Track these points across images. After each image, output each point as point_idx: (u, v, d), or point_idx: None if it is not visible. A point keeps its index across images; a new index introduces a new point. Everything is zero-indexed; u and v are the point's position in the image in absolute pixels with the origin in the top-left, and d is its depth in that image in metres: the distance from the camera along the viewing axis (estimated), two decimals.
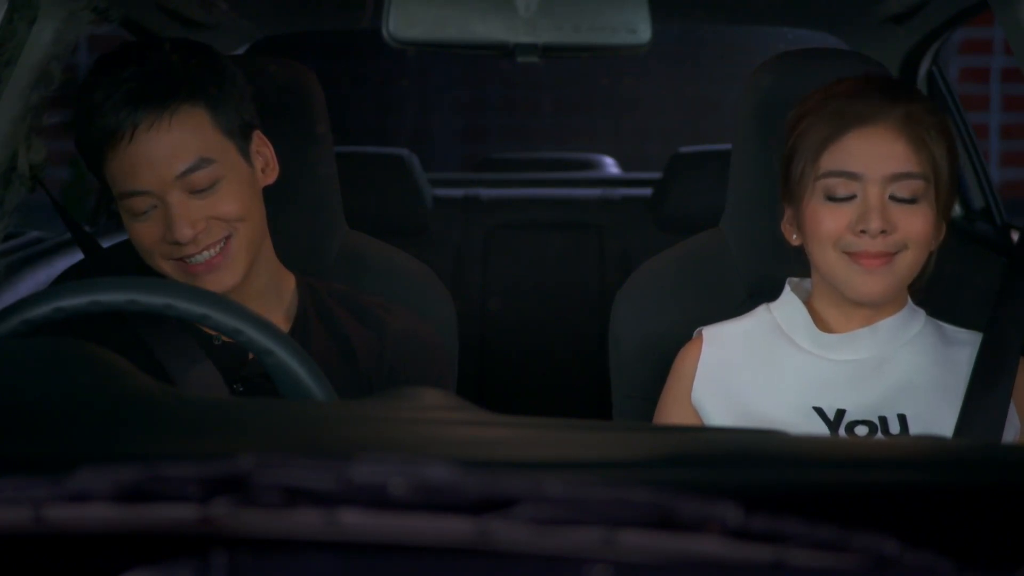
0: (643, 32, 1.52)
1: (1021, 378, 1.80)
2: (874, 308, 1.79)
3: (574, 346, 3.55)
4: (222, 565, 0.69)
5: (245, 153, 1.78)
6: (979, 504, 0.88)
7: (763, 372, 1.81)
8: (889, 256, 1.71)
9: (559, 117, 6.54)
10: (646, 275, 2.08)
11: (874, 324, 1.79)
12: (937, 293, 1.88)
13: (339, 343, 1.88)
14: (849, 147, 1.71)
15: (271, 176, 1.83)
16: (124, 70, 1.72)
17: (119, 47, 1.79)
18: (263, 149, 1.83)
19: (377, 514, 0.72)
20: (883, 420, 1.76)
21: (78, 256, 2.08)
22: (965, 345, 1.81)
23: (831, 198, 1.72)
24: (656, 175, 3.75)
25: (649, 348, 2.00)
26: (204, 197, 1.73)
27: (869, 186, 1.70)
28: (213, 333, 1.81)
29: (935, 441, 1.59)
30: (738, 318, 1.88)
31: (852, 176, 1.71)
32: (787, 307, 1.84)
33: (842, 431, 1.76)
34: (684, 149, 3.61)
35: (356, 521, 0.72)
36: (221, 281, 1.74)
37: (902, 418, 1.76)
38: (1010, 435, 1.78)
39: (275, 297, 1.88)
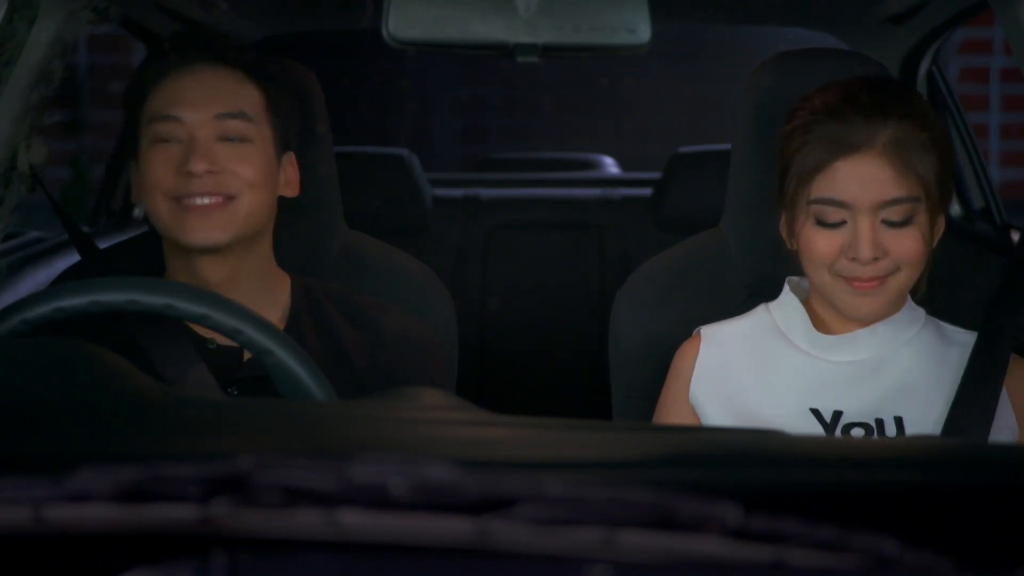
0: (643, 32, 1.52)
1: (1020, 379, 1.80)
2: None
3: (574, 346, 3.55)
4: (222, 565, 0.69)
5: (277, 150, 1.87)
6: (979, 504, 0.88)
7: (760, 372, 1.81)
8: (881, 279, 1.71)
9: (559, 117, 6.54)
10: (646, 275, 2.08)
11: (872, 325, 1.79)
12: (937, 293, 1.88)
13: (331, 343, 1.88)
14: (836, 176, 1.70)
15: (289, 191, 1.90)
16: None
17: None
18: (291, 168, 1.91)
19: (377, 514, 0.72)
20: (879, 422, 1.76)
21: (78, 256, 2.08)
22: (964, 346, 1.81)
23: (822, 223, 1.72)
24: (656, 175, 3.75)
25: (649, 348, 2.00)
26: (229, 148, 1.80)
27: (859, 216, 1.70)
28: (208, 336, 1.81)
29: (935, 441, 1.59)
30: (737, 318, 1.88)
31: (841, 205, 1.71)
32: (786, 307, 1.84)
33: (838, 433, 1.76)
34: (684, 149, 3.61)
35: (356, 521, 0.72)
36: (209, 233, 1.78)
37: (898, 420, 1.76)
38: (1008, 436, 1.78)
39: (268, 298, 1.88)
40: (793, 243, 1.79)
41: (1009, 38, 1.98)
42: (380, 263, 2.11)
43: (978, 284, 1.92)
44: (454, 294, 2.20)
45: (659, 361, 1.94)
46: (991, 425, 1.74)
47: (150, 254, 2.03)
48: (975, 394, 1.75)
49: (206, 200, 1.78)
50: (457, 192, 3.73)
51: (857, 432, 1.76)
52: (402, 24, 1.52)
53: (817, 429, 1.76)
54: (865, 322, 1.78)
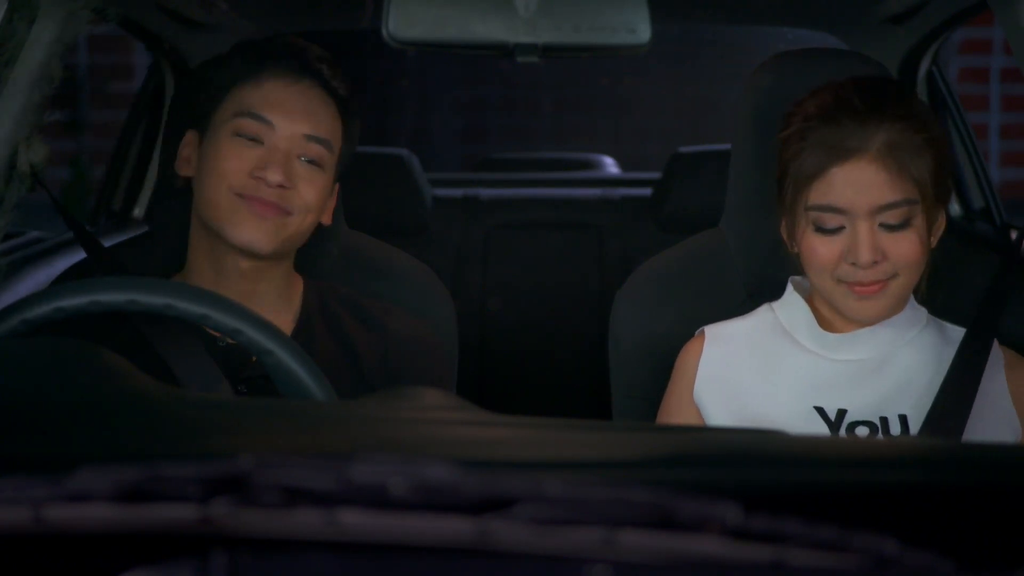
0: (643, 32, 1.52)
1: (1021, 379, 1.80)
2: None
3: (574, 346, 3.55)
4: (222, 565, 0.69)
5: (335, 179, 1.92)
6: (979, 504, 0.88)
7: (765, 371, 1.81)
8: (882, 283, 1.71)
9: (559, 117, 6.54)
10: (646, 275, 2.08)
11: (875, 325, 1.79)
12: (937, 293, 1.88)
13: (343, 346, 1.89)
14: (833, 183, 1.71)
15: (326, 218, 1.93)
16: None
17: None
18: (335, 198, 1.96)
19: (377, 514, 0.72)
20: (884, 421, 1.77)
21: (78, 256, 2.09)
22: None
23: (820, 229, 1.73)
24: (656, 175, 3.75)
25: (649, 348, 2.00)
26: (304, 168, 1.84)
27: (857, 221, 1.70)
28: (216, 335, 1.81)
29: (935, 441, 1.59)
30: (741, 317, 1.88)
31: (839, 211, 1.71)
32: (790, 307, 1.84)
33: (843, 431, 1.76)
34: (684, 149, 3.61)
35: (356, 521, 0.72)
36: (258, 236, 1.81)
37: (903, 419, 1.76)
38: (1009, 436, 1.78)
39: (286, 300, 1.91)
40: (794, 246, 1.79)
41: (1009, 38, 1.98)
42: (380, 263, 2.11)
43: (978, 284, 1.91)
44: (454, 294, 2.20)
45: (659, 361, 1.94)
46: (970, 412, 1.74)
47: (151, 254, 2.04)
48: (959, 385, 1.75)
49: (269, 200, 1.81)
50: (457, 192, 3.73)
51: (862, 430, 1.76)
52: (402, 24, 1.52)
53: (821, 427, 1.76)
54: (868, 324, 1.79)
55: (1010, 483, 0.90)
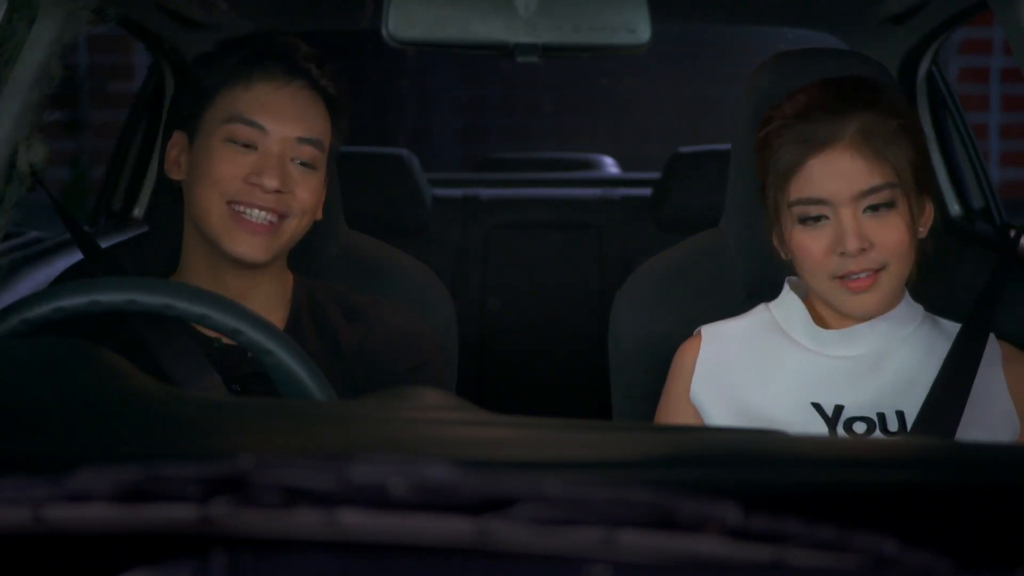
0: (643, 32, 1.52)
1: (1018, 373, 1.80)
2: None
3: (574, 346, 3.55)
4: (222, 565, 0.69)
5: (325, 175, 1.91)
6: (979, 504, 0.88)
7: (761, 369, 1.82)
8: (873, 274, 1.72)
9: (559, 117, 6.54)
10: (646, 275, 2.08)
11: (872, 320, 1.79)
12: (937, 293, 1.89)
13: (329, 342, 1.88)
14: (811, 174, 1.73)
15: (319, 214, 1.92)
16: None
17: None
18: (324, 192, 1.94)
19: (377, 514, 0.72)
20: (881, 416, 1.77)
21: (78, 256, 2.08)
22: None
23: (805, 222, 1.74)
24: (656, 175, 3.75)
25: (649, 348, 2.00)
26: (298, 171, 1.83)
27: (840, 209, 1.72)
28: (214, 336, 1.81)
29: (935, 441, 1.59)
30: (737, 317, 1.89)
31: (820, 201, 1.73)
32: (786, 305, 1.85)
33: (840, 427, 1.76)
34: (683, 149, 3.61)
35: (356, 521, 0.72)
36: (254, 250, 1.80)
37: (900, 414, 1.77)
38: (1008, 434, 1.78)
39: (277, 298, 1.90)
40: (786, 253, 1.80)
41: (1009, 38, 1.98)
42: (380, 263, 2.11)
43: (978, 283, 1.91)
44: (454, 294, 2.20)
45: (659, 361, 1.94)
46: (964, 408, 1.74)
47: (150, 254, 2.03)
48: (953, 381, 1.75)
49: (262, 217, 1.80)
50: (457, 192, 3.73)
51: (859, 426, 1.76)
52: (402, 24, 1.52)
53: (819, 423, 1.77)
54: (864, 319, 1.79)
55: (1009, 483, 0.90)
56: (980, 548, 0.84)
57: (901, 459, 0.97)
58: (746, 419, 1.79)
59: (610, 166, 4.89)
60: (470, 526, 0.71)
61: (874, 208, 1.71)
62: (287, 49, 1.87)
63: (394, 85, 6.43)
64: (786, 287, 1.87)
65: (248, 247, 1.80)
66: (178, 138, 1.87)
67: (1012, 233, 2.03)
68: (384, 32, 1.55)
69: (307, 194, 1.83)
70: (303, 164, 1.83)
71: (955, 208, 3.05)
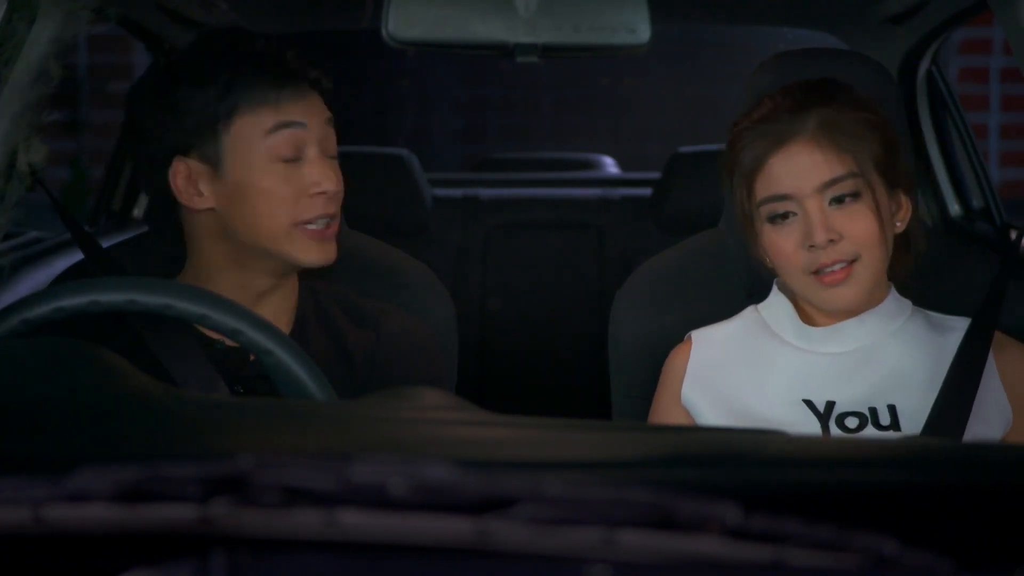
0: (643, 32, 1.52)
1: (1013, 369, 1.80)
2: None
3: (574, 346, 3.55)
4: (222, 565, 0.69)
5: None
6: (979, 504, 0.88)
7: (751, 369, 1.83)
8: (847, 266, 1.72)
9: (559, 117, 6.54)
10: (646, 275, 2.08)
11: (860, 316, 1.80)
12: (937, 293, 1.89)
13: (336, 344, 1.88)
14: (773, 172, 1.74)
15: None
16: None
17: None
18: None
19: (377, 514, 0.72)
20: (873, 411, 1.77)
21: (78, 256, 2.08)
22: (953, 331, 1.82)
23: (774, 220, 1.75)
24: (656, 175, 3.75)
25: (648, 348, 2.00)
26: (328, 165, 1.82)
27: (805, 202, 1.73)
28: (217, 338, 1.81)
29: (935, 441, 1.59)
30: (726, 321, 1.90)
31: (785, 197, 1.74)
32: (773, 306, 1.87)
33: (832, 423, 1.77)
34: (683, 149, 3.61)
35: (356, 521, 0.72)
36: (327, 255, 1.83)
37: (892, 408, 1.77)
38: (1001, 425, 1.78)
39: (285, 300, 1.89)
40: (768, 260, 1.81)
41: (1009, 38, 1.98)
42: (380, 263, 2.11)
43: (978, 284, 1.92)
44: (454, 294, 2.20)
45: (659, 361, 1.94)
46: (971, 410, 1.74)
47: (150, 254, 2.03)
48: (962, 381, 1.75)
49: (323, 223, 1.81)
50: (457, 192, 3.73)
51: (852, 421, 1.77)
52: (402, 24, 1.52)
53: (811, 420, 1.77)
54: (848, 314, 1.79)
55: (1010, 483, 0.90)
56: (980, 548, 0.84)
57: (901, 459, 0.97)
58: (738, 420, 1.79)
59: (610, 166, 4.90)
60: (470, 526, 0.71)
61: (839, 200, 1.72)
62: (301, 67, 1.84)
63: (394, 85, 6.44)
64: (774, 288, 1.88)
65: (320, 254, 1.81)
66: (184, 165, 1.80)
67: (1013, 235, 2.03)
68: (384, 32, 1.55)
69: (341, 183, 1.85)
70: (331, 157, 1.84)
71: (955, 208, 3.05)
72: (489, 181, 3.96)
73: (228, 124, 1.79)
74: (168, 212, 1.88)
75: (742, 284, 2.01)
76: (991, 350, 1.80)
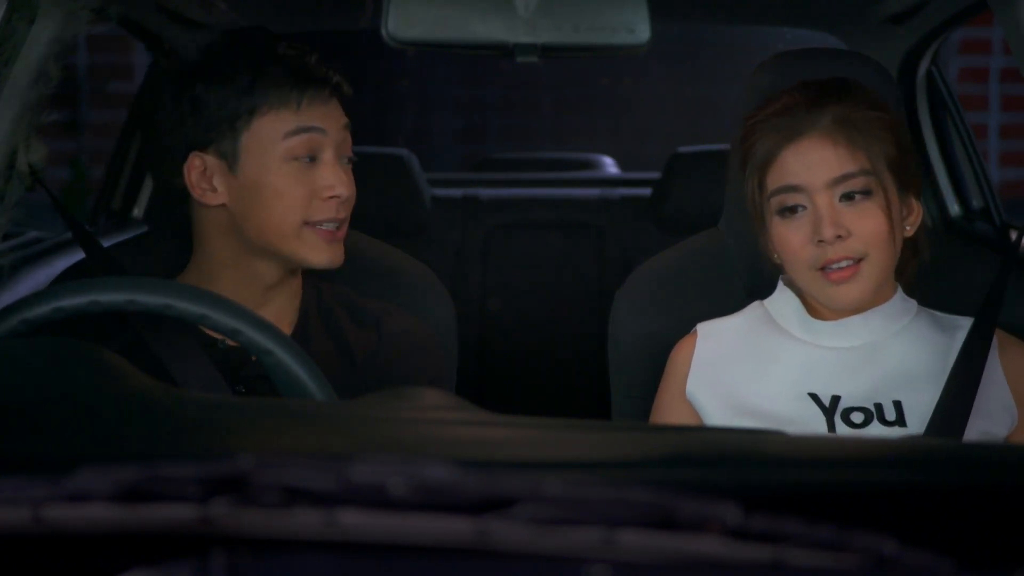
0: (642, 32, 1.52)
1: (1017, 367, 1.80)
2: None
3: (574, 346, 3.55)
4: (221, 565, 0.69)
5: None
6: (979, 504, 0.88)
7: (757, 362, 1.83)
8: (854, 263, 1.72)
9: (558, 117, 6.54)
10: (646, 275, 2.08)
11: (865, 313, 1.80)
12: (938, 293, 1.89)
13: (338, 345, 1.88)
14: (786, 164, 1.75)
15: None
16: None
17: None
18: None
19: (377, 514, 0.72)
20: (878, 407, 1.77)
21: (77, 256, 2.08)
22: (959, 329, 1.82)
23: (783, 213, 1.75)
24: (656, 175, 3.75)
25: (648, 348, 2.00)
26: (342, 170, 1.84)
27: (815, 196, 1.73)
28: (219, 337, 1.81)
29: (935, 441, 1.59)
30: (732, 315, 1.90)
31: (796, 189, 1.74)
32: (780, 300, 1.87)
33: (837, 417, 1.77)
34: (683, 149, 3.61)
35: (355, 521, 0.72)
36: (336, 256, 1.84)
37: (897, 404, 1.77)
38: (1006, 423, 1.78)
39: (289, 299, 1.90)
40: (776, 256, 1.81)
41: (1008, 38, 1.98)
42: (380, 263, 2.11)
43: (978, 284, 1.92)
44: (454, 294, 2.20)
45: (658, 361, 1.94)
46: (971, 410, 1.75)
47: (150, 254, 2.03)
48: (963, 379, 1.76)
49: (334, 225, 1.83)
50: (456, 192, 3.73)
51: (857, 416, 1.77)
52: (402, 24, 1.52)
53: (816, 413, 1.77)
54: (848, 311, 1.79)
55: (1010, 483, 0.90)
56: (981, 548, 0.84)
57: (901, 459, 0.97)
58: (743, 413, 1.79)
59: (610, 166, 4.89)
60: (470, 526, 0.71)
61: (850, 196, 1.72)
62: (325, 73, 1.85)
63: (394, 85, 6.44)
64: (780, 283, 1.88)
65: (328, 254, 1.83)
66: (199, 160, 1.82)
67: (1013, 235, 2.03)
68: (384, 32, 1.55)
69: (354, 189, 1.86)
70: (346, 163, 1.86)
71: (955, 208, 3.05)
72: (489, 181, 3.96)
73: (248, 123, 1.80)
74: (175, 206, 1.89)
75: (742, 284, 2.01)
76: (995, 349, 1.80)
